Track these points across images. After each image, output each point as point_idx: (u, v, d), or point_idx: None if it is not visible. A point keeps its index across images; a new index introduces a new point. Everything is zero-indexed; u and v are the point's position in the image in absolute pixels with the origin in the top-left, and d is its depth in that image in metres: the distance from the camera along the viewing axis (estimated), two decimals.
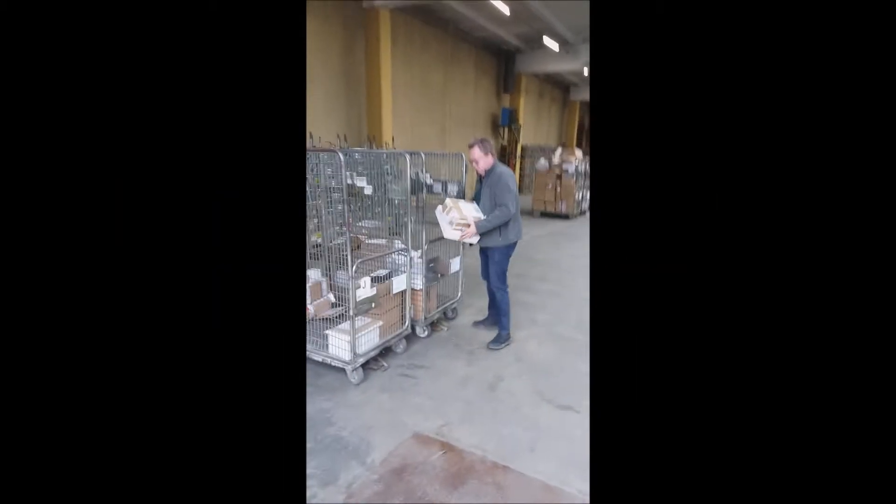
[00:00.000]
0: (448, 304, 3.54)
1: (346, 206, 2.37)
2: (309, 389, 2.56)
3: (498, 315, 3.17)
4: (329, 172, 3.05)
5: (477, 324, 3.51)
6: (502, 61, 12.47)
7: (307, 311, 3.09)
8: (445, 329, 3.46)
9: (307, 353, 2.72)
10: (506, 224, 2.91)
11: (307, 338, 2.80)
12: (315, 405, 2.40)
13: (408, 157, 2.82)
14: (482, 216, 2.92)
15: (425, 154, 3.08)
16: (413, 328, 3.22)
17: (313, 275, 3.21)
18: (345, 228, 3.55)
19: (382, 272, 2.97)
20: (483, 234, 2.95)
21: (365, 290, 2.57)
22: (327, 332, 2.67)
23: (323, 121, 7.70)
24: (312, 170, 2.98)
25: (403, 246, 2.99)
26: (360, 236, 3.40)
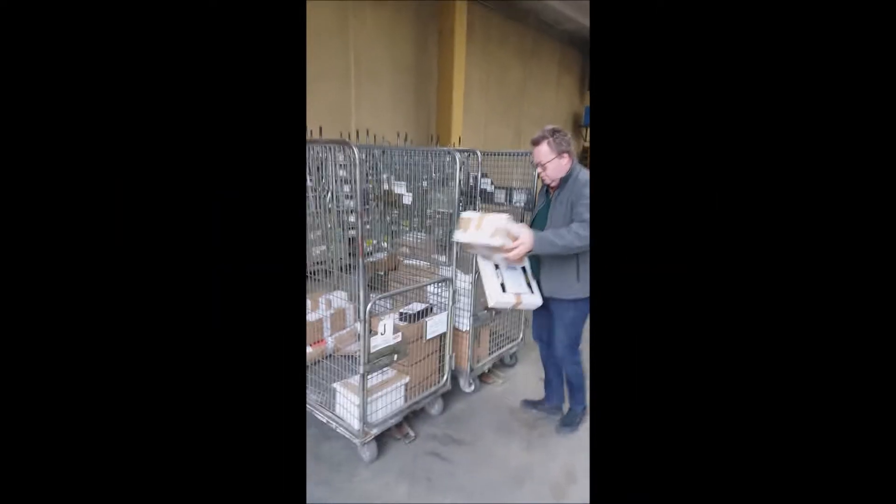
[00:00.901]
0: (506, 347, 2.73)
1: (359, 221, 1.66)
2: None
3: (571, 390, 2.22)
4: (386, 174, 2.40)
5: (527, 405, 2.38)
6: (587, 56, 11.29)
7: (323, 346, 2.46)
8: (500, 382, 2.65)
9: (310, 406, 2.07)
10: (586, 258, 1.83)
11: (313, 385, 2.16)
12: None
13: (457, 156, 2.07)
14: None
15: (483, 154, 2.31)
16: (455, 380, 2.46)
17: (337, 299, 2.59)
18: (383, 243, 2.91)
19: (418, 306, 2.25)
20: (548, 279, 1.93)
21: (384, 337, 1.86)
22: (334, 385, 2.00)
23: (389, 118, 7.25)
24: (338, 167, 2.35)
25: (446, 275, 2.24)
26: (398, 256, 2.73)
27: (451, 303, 2.19)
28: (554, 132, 1.82)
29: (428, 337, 2.10)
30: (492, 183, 2.58)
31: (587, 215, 1.72)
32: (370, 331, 1.82)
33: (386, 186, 2.42)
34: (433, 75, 7.67)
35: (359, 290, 1.74)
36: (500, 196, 2.55)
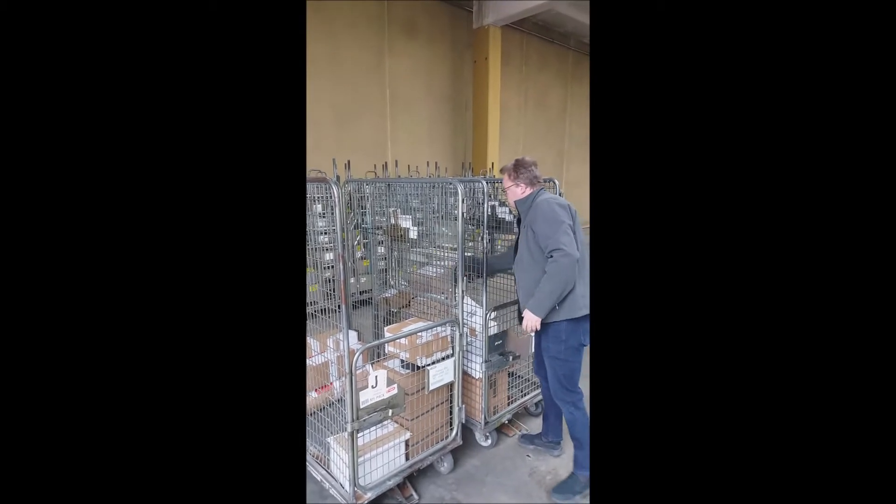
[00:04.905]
0: (531, 395, 2.45)
1: (339, 262, 1.52)
2: None
3: (574, 443, 1.92)
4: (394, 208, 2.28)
5: (524, 440, 2.25)
6: None
7: (329, 391, 2.32)
8: (523, 434, 2.36)
9: (308, 462, 1.91)
10: (551, 276, 1.69)
11: (310, 438, 2.01)
12: None
13: (460, 186, 1.90)
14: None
15: (490, 181, 2.12)
16: (471, 433, 2.22)
17: (339, 340, 2.45)
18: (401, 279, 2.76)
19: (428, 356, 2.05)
20: (525, 305, 1.84)
21: (376, 390, 1.68)
22: (329, 439, 1.84)
23: (426, 148, 7.29)
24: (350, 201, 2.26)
25: (452, 317, 2.04)
26: (409, 291, 2.57)
27: (458, 348, 1.98)
28: (516, 164, 1.89)
29: (431, 388, 1.89)
30: (510, 211, 2.38)
31: (549, 238, 1.71)
32: (358, 384, 1.65)
33: (393, 221, 2.29)
34: (470, 105, 7.65)
35: (345, 339, 1.59)
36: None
